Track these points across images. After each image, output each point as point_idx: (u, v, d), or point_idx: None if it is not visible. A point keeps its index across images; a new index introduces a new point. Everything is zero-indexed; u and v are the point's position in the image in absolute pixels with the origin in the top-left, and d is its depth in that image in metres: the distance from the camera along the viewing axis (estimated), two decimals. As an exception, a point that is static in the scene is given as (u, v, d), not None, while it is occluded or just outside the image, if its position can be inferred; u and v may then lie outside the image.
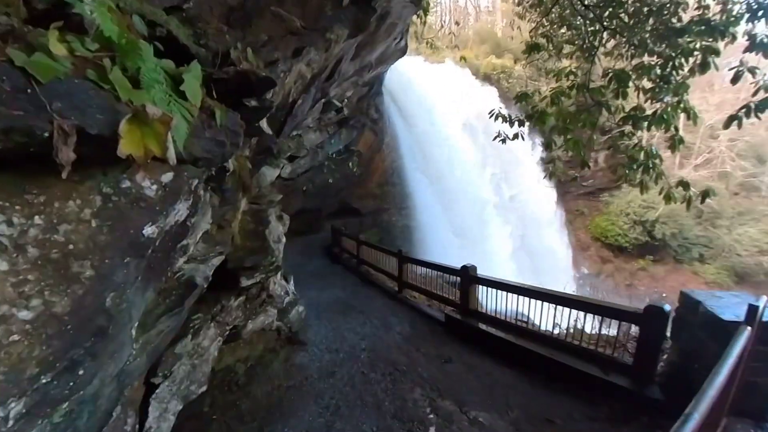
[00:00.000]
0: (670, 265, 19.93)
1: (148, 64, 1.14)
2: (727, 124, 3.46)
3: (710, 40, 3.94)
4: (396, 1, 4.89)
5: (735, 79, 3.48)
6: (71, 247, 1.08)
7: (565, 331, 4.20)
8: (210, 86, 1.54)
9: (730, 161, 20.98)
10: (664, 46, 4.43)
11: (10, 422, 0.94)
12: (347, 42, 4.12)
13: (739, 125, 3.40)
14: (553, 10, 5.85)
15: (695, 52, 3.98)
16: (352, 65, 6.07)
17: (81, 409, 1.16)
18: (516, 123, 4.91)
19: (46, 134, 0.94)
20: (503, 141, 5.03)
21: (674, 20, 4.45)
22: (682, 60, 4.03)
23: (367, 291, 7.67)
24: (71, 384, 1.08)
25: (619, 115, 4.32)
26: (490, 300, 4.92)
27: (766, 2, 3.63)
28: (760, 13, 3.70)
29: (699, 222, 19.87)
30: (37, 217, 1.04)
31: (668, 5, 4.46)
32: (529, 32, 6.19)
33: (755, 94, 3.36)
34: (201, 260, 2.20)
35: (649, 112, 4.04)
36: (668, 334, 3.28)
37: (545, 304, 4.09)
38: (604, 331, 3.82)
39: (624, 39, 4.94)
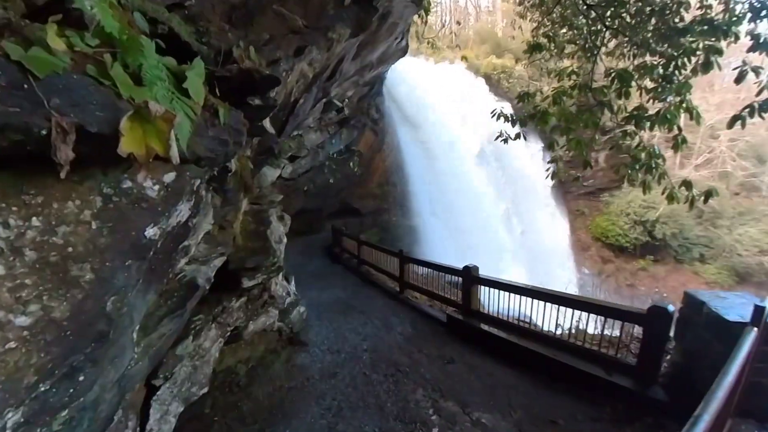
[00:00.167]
0: (670, 265, 19.91)
1: (149, 60, 1.12)
2: (730, 124, 3.45)
3: (713, 39, 3.92)
4: (397, 1, 4.88)
5: (739, 79, 3.46)
6: (70, 249, 1.04)
7: (567, 332, 4.18)
8: (213, 84, 1.51)
9: (730, 161, 20.96)
10: (666, 45, 4.42)
11: None
12: (349, 41, 4.11)
13: (743, 125, 3.39)
14: (555, 9, 5.84)
15: (698, 52, 3.97)
16: (354, 65, 6.06)
17: (81, 416, 1.13)
18: (517, 123, 4.90)
19: (44, 132, 0.91)
20: (505, 141, 5.01)
21: (676, 20, 4.43)
22: (685, 60, 4.02)
23: (368, 291, 7.65)
24: (71, 391, 1.05)
25: (622, 114, 4.30)
26: (491, 300, 4.90)
27: (768, 1, 3.62)
28: (763, 12, 3.69)
29: (699, 222, 19.85)
30: (34, 218, 1.00)
31: (670, 5, 4.45)
32: (531, 32, 6.17)
33: (759, 93, 3.34)
34: (202, 261, 2.19)
35: (651, 111, 4.02)
36: (671, 334, 3.26)
37: (547, 304, 4.07)
38: (606, 332, 3.80)
39: (626, 39, 4.93)
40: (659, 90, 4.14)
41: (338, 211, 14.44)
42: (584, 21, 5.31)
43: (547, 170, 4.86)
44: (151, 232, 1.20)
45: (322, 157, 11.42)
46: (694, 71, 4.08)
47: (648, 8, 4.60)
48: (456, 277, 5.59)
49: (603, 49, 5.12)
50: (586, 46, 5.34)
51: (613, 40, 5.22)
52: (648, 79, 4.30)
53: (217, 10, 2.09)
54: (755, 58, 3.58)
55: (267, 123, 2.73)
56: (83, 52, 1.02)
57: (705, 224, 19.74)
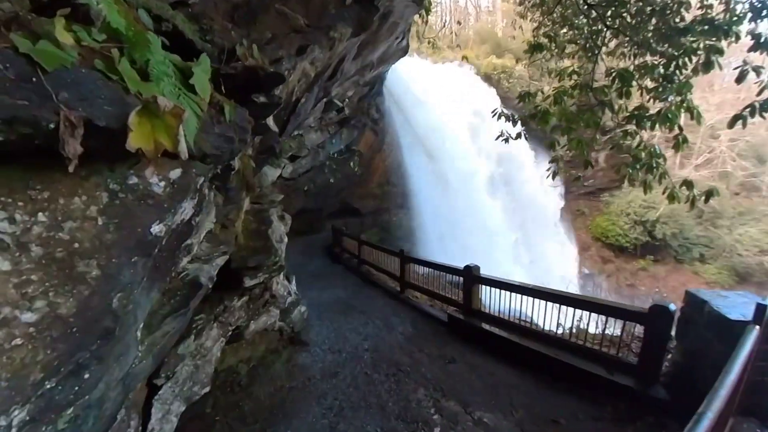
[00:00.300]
0: (670, 265, 19.93)
1: (156, 56, 1.12)
2: (731, 124, 3.45)
3: (713, 39, 3.93)
4: (398, 1, 4.89)
5: (739, 79, 3.46)
6: (77, 245, 1.04)
7: (568, 331, 4.19)
8: (219, 81, 1.51)
9: (730, 161, 20.98)
10: (667, 45, 4.43)
11: (14, 430, 0.89)
12: (350, 41, 4.11)
13: (744, 125, 3.39)
14: (556, 9, 5.84)
15: (698, 52, 3.98)
16: (354, 64, 6.06)
17: (86, 414, 1.12)
18: (518, 123, 4.91)
19: (52, 125, 0.90)
20: (506, 140, 5.02)
21: (677, 20, 4.44)
22: (686, 59, 4.02)
23: (369, 291, 7.65)
24: (76, 389, 1.04)
25: (623, 114, 4.31)
26: (492, 300, 4.91)
27: (769, 1, 3.62)
28: (764, 12, 3.69)
29: (699, 222, 19.87)
30: (41, 213, 0.99)
31: (671, 5, 4.45)
32: (532, 32, 6.18)
33: (760, 93, 3.35)
34: (205, 260, 2.19)
35: (652, 111, 4.03)
36: (673, 333, 3.27)
37: (548, 303, 4.07)
38: (607, 331, 3.81)
39: (627, 38, 4.94)
40: (660, 90, 4.14)
41: (338, 211, 14.46)
42: (585, 21, 5.32)
43: (548, 170, 4.86)
44: (156, 228, 1.20)
45: (322, 156, 11.43)
46: (695, 71, 4.08)
47: (649, 8, 4.61)
48: (457, 277, 5.60)
49: (604, 48, 5.13)
50: (587, 45, 5.35)
51: (614, 39, 5.22)
52: (649, 79, 4.31)
53: (220, 8, 2.09)
54: (756, 58, 3.58)
55: (270, 121, 2.73)
56: (90, 47, 1.02)
57: (705, 224, 19.76)
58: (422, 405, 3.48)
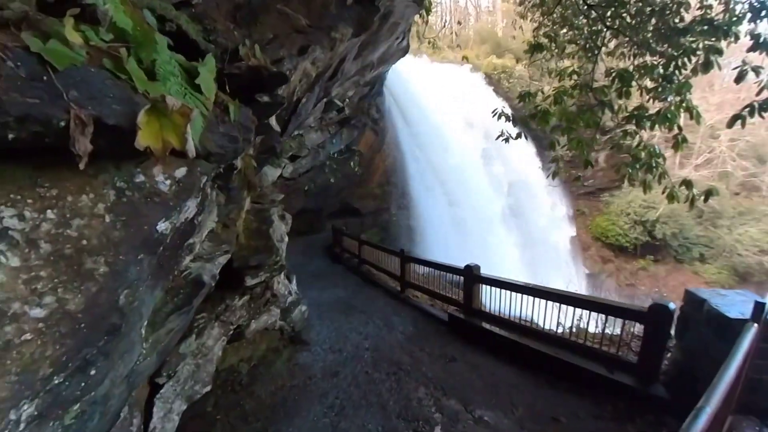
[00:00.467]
0: (670, 265, 19.95)
1: (162, 56, 1.14)
2: (730, 124, 3.46)
3: (713, 39, 3.94)
4: (399, 1, 4.90)
5: (739, 79, 3.48)
6: (84, 242, 1.05)
7: (568, 331, 4.20)
8: (223, 81, 1.53)
9: (730, 161, 21.01)
10: (666, 45, 4.45)
11: (22, 425, 0.91)
12: (351, 41, 4.12)
13: (743, 125, 3.40)
14: (556, 10, 5.86)
15: (698, 52, 3.99)
16: (355, 64, 6.07)
17: (92, 410, 1.13)
18: (518, 124, 4.92)
19: (63, 124, 0.92)
20: (506, 140, 5.03)
21: (677, 20, 4.46)
22: (685, 59, 4.04)
23: (369, 291, 7.66)
24: (83, 384, 1.05)
25: (622, 114, 4.32)
26: (493, 300, 4.92)
27: (768, 2, 3.64)
28: (763, 12, 3.71)
29: (699, 222, 19.89)
30: (49, 211, 1.00)
31: (670, 5, 4.47)
32: (532, 32, 6.19)
33: (759, 93, 3.36)
34: (207, 259, 2.20)
35: (652, 111, 4.04)
36: (672, 332, 3.28)
37: (548, 303, 4.09)
38: (607, 331, 3.82)
39: (626, 39, 4.95)
40: (659, 90, 4.15)
41: (338, 210, 14.48)
42: (585, 21, 5.33)
43: (549, 170, 4.88)
44: (162, 226, 1.21)
45: (322, 156, 11.45)
46: (694, 71, 4.10)
47: (648, 8, 4.62)
48: (457, 277, 5.61)
49: (603, 49, 5.14)
50: (587, 46, 5.36)
51: (614, 40, 5.24)
52: (648, 79, 4.32)
53: (222, 9, 2.11)
54: (755, 58, 3.60)
55: (273, 121, 2.75)
56: (98, 46, 1.04)
57: (705, 224, 19.79)
58: (423, 403, 3.49)
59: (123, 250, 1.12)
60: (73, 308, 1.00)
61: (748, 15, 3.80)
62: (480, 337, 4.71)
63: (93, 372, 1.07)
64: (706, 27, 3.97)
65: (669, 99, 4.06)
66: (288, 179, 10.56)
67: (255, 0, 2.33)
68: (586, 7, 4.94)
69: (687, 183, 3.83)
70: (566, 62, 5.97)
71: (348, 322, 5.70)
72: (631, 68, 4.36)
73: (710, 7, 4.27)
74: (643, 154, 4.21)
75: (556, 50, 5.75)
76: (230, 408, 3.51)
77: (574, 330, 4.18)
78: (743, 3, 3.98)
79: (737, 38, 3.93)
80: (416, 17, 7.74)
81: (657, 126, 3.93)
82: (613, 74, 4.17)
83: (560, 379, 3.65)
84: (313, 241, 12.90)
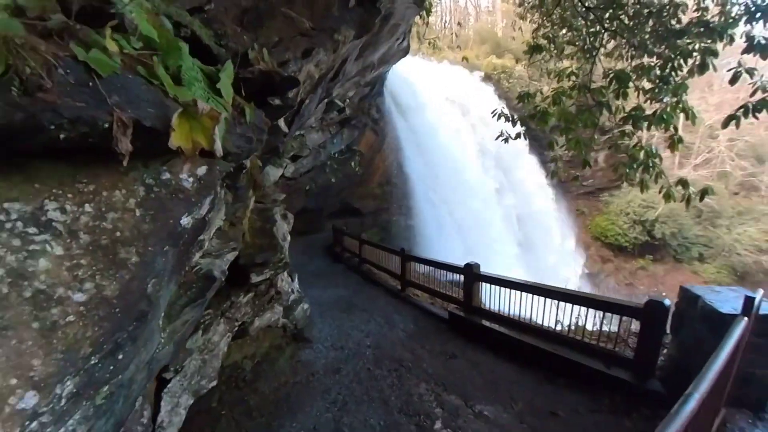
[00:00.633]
0: (669, 264, 20.02)
1: (186, 62, 1.21)
2: (725, 124, 3.53)
3: (709, 41, 4.01)
4: (400, 2, 4.96)
5: (733, 80, 3.55)
6: (118, 234, 1.14)
7: (566, 328, 4.27)
8: (239, 85, 1.60)
9: (729, 161, 21.09)
10: (663, 47, 4.51)
11: (63, 401, 0.98)
12: (352, 43, 4.19)
13: (737, 125, 3.47)
14: (555, 11, 5.92)
15: (694, 54, 4.06)
16: (356, 65, 6.14)
17: (119, 392, 1.20)
18: (518, 124, 4.99)
19: (106, 125, 1.01)
20: (506, 140, 5.10)
21: (673, 22, 4.52)
22: (681, 61, 4.10)
23: (370, 290, 7.72)
24: (111, 368, 1.13)
25: (620, 115, 4.39)
26: (492, 297, 4.98)
27: (764, 4, 3.70)
28: (758, 14, 3.77)
29: (699, 221, 19.97)
30: (87, 205, 1.10)
31: (668, 7, 4.53)
32: (531, 33, 6.26)
33: (753, 94, 3.43)
34: (216, 255, 2.27)
35: (649, 112, 4.11)
36: (668, 328, 3.35)
37: (547, 300, 4.15)
38: (604, 328, 3.89)
39: (624, 40, 5.02)
40: (656, 91, 4.22)
41: (339, 210, 14.54)
42: (583, 23, 5.40)
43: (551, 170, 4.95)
44: (185, 220, 1.30)
45: (323, 156, 11.51)
46: (691, 72, 4.16)
47: (646, 10, 4.69)
48: (457, 275, 5.68)
49: (602, 50, 5.21)
50: (585, 47, 5.43)
51: (612, 41, 5.30)
52: (645, 80, 4.39)
53: (230, 13, 2.17)
54: (751, 60, 3.66)
55: (281, 122, 2.81)
56: (130, 54, 1.12)
57: (704, 224, 19.86)
58: (424, 399, 3.55)
59: (151, 241, 1.21)
60: (109, 294, 1.09)
61: (744, 17, 3.86)
62: (480, 334, 4.77)
63: (121, 356, 1.15)
64: (702, 29, 4.04)
65: (665, 100, 4.13)
66: (289, 179, 10.63)
67: (261, 4, 2.40)
68: (584, 8, 5.01)
69: (683, 182, 3.90)
70: (565, 63, 6.04)
71: (349, 320, 5.76)
72: (628, 69, 4.43)
73: (706, 9, 4.34)
74: (640, 154, 4.28)
75: (555, 51, 5.83)
76: (235, 404, 3.57)
77: (572, 327, 4.25)
78: (739, 5, 4.04)
79: (732, 40, 4.00)
80: (416, 18, 7.80)
81: (653, 126, 4.00)
82: (611, 75, 4.23)
83: (559, 375, 3.71)
84: (313, 241, 12.97)
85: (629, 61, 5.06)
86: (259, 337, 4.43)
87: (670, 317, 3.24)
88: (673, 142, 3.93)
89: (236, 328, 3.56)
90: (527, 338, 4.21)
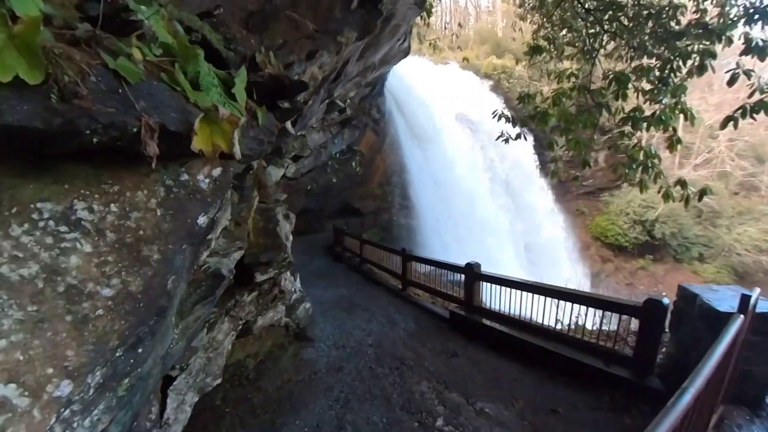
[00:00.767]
0: (669, 264, 20.05)
1: (203, 68, 1.26)
2: (723, 125, 3.57)
3: (707, 43, 4.05)
4: (401, 3, 5.01)
5: (731, 81, 3.59)
6: (141, 232, 1.20)
7: (567, 327, 4.30)
8: (251, 89, 1.65)
9: (729, 161, 21.13)
10: (662, 48, 4.55)
11: (91, 390, 1.04)
12: (354, 44, 4.23)
13: (735, 126, 3.51)
14: (555, 12, 5.97)
15: (693, 55, 4.10)
16: (357, 66, 6.18)
17: (138, 385, 1.26)
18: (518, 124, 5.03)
19: (135, 130, 1.07)
20: (506, 141, 5.14)
21: (673, 23, 4.56)
22: (680, 62, 4.15)
23: (371, 289, 7.76)
24: (132, 360, 1.18)
25: (619, 115, 4.43)
26: (493, 297, 5.02)
27: (762, 6, 3.74)
28: (756, 17, 3.81)
29: (699, 221, 20.00)
30: (112, 204, 1.16)
31: (667, 9, 4.57)
32: (531, 34, 6.30)
33: (751, 95, 3.47)
34: (223, 254, 2.31)
35: (648, 113, 4.15)
36: (667, 326, 3.39)
37: (547, 300, 4.19)
38: (604, 327, 3.93)
39: (624, 42, 5.06)
40: (655, 92, 4.26)
41: (339, 210, 14.59)
42: (583, 24, 5.44)
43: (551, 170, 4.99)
44: (202, 220, 1.35)
45: (324, 156, 11.55)
46: (690, 74, 4.20)
47: (645, 12, 4.73)
48: (458, 275, 5.71)
49: (601, 51, 5.25)
50: (585, 48, 5.47)
51: (611, 42, 5.34)
52: (645, 81, 4.43)
53: (236, 17, 2.21)
54: (750, 61, 3.70)
55: (288, 124, 2.86)
56: (151, 61, 1.17)
57: (704, 224, 19.89)
58: (426, 397, 3.59)
59: (171, 240, 1.27)
60: (134, 289, 1.15)
61: (742, 19, 3.90)
62: (481, 333, 4.81)
63: (141, 350, 1.20)
64: (701, 31, 4.08)
65: (665, 101, 4.17)
66: (291, 179, 10.67)
67: (266, 7, 2.44)
68: (584, 10, 5.05)
69: (682, 182, 3.94)
70: (565, 64, 6.08)
71: (351, 319, 5.80)
72: (627, 71, 4.47)
73: (705, 11, 4.38)
74: (639, 155, 4.32)
75: (555, 52, 5.86)
76: (238, 401, 3.62)
77: (572, 326, 4.29)
78: (738, 7, 4.09)
79: (731, 41, 4.04)
80: (417, 19, 7.85)
81: (652, 127, 4.04)
82: (610, 76, 4.27)
83: (559, 373, 3.75)
84: (314, 241, 13.01)
85: (629, 62, 5.10)
86: (263, 336, 4.47)
87: (668, 316, 3.28)
88: (672, 143, 3.97)
89: (240, 327, 3.61)
90: (528, 337, 4.25)
